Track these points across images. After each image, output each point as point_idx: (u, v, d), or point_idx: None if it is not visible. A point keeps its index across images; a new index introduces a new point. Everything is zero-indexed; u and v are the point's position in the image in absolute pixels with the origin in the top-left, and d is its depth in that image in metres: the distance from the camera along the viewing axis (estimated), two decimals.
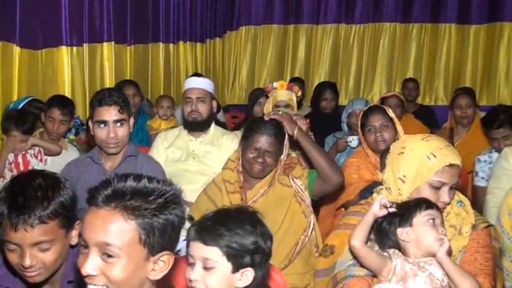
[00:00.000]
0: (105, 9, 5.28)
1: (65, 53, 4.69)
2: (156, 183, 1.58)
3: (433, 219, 2.11)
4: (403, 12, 8.45)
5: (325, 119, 5.55)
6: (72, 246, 1.97)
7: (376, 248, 2.22)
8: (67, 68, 4.73)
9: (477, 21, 8.24)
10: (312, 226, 2.95)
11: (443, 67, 8.45)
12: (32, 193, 1.81)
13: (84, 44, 4.97)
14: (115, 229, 1.49)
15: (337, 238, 2.44)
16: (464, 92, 5.30)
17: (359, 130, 3.64)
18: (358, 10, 8.54)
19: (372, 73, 8.62)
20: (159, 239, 1.53)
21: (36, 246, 1.80)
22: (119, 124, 2.96)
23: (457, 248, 2.23)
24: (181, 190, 1.62)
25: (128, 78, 5.55)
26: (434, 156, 2.22)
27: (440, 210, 2.16)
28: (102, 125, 2.95)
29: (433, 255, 2.07)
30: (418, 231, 2.10)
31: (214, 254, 1.75)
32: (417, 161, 2.25)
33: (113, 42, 5.39)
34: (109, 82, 5.38)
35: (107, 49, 5.33)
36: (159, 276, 1.58)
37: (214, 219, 1.84)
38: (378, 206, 2.12)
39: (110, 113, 2.94)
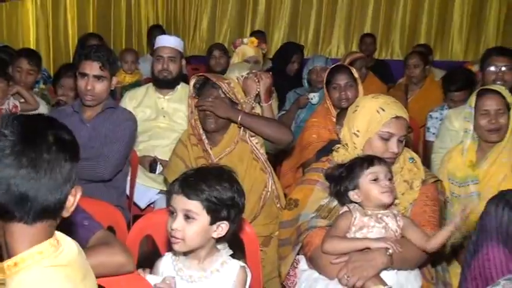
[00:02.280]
0: None
1: (29, 5, 4.69)
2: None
3: (376, 175, 2.26)
4: None
5: (286, 76, 5.59)
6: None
7: (336, 202, 2.39)
8: (32, 20, 4.75)
9: None
10: (271, 181, 3.05)
11: (399, 22, 8.56)
12: None
13: None
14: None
15: (300, 192, 2.55)
16: (414, 51, 5.47)
17: (324, 86, 3.74)
18: None
19: (330, 27, 8.67)
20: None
21: None
22: (98, 79, 3.08)
23: (408, 201, 2.39)
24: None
25: (91, 30, 5.57)
26: (383, 110, 2.38)
27: (385, 162, 2.30)
28: (83, 77, 3.08)
29: (386, 207, 2.25)
30: (365, 190, 2.26)
31: (195, 207, 1.88)
32: (368, 115, 2.41)
33: None
34: (72, 35, 5.41)
35: (70, 1, 5.34)
36: (71, 210, 1.40)
37: (196, 175, 1.96)
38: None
39: (92, 68, 3.07)
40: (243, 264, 2.03)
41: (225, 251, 2.03)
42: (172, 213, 1.93)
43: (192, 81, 3.01)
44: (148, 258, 2.18)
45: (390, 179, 2.27)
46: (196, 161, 2.96)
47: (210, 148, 2.99)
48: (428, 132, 4.37)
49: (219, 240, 2.00)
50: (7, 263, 1.29)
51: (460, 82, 4.26)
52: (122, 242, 1.99)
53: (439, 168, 3.20)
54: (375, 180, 2.26)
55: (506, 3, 8.33)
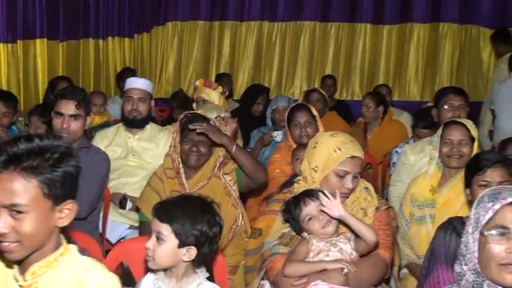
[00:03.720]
0: (37, 6, 5.35)
1: (1, 51, 4.79)
2: (47, 140, 1.62)
3: (310, 215, 2.45)
4: (322, 12, 8.65)
5: (252, 116, 5.73)
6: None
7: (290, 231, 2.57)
8: (3, 65, 4.83)
9: (390, 22, 8.63)
10: (241, 217, 3.22)
11: (359, 64, 8.76)
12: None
13: (18, 41, 5.06)
14: (19, 189, 1.54)
15: (263, 222, 2.73)
16: (369, 93, 5.64)
17: (286, 125, 3.93)
18: (281, 9, 8.66)
19: (293, 69, 8.80)
20: (61, 190, 1.60)
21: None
22: (73, 118, 3.19)
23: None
24: (71, 144, 1.73)
25: (60, 74, 5.64)
26: (339, 149, 2.54)
27: (313, 195, 2.46)
28: (58, 116, 3.19)
29: (333, 234, 2.44)
30: (309, 230, 2.46)
31: (165, 230, 2.03)
32: (326, 153, 2.57)
33: (45, 39, 5.49)
34: (42, 78, 5.49)
35: (40, 45, 5.42)
36: (66, 222, 1.65)
37: (174, 202, 2.13)
38: None
39: (67, 107, 3.18)
40: (218, 287, 2.15)
41: (202, 273, 2.14)
42: (150, 233, 2.09)
43: (180, 117, 3.19)
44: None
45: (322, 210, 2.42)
46: (172, 194, 3.08)
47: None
48: (393, 167, 4.42)
49: (197, 264, 2.12)
50: None
51: (429, 120, 4.42)
52: (100, 261, 2.12)
53: (404, 195, 3.33)
54: (310, 219, 2.44)
55: (459, 47, 8.69)
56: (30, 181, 1.55)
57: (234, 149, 3.09)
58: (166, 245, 2.04)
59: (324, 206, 2.40)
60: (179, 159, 3.17)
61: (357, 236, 2.44)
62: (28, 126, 4.33)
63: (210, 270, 2.35)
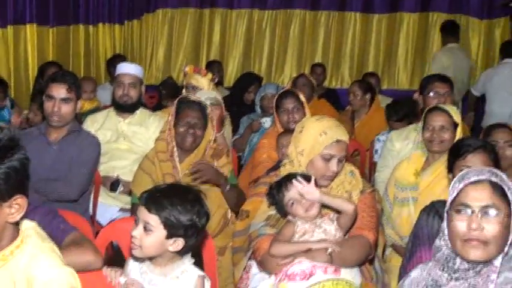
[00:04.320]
0: None
1: None
2: None
3: (292, 199, 2.51)
4: (313, 1, 8.62)
5: (242, 103, 5.78)
6: None
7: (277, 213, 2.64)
8: None
9: (380, 11, 8.58)
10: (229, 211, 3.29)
11: (348, 53, 8.71)
12: None
13: (8, 26, 5.10)
14: None
15: (251, 204, 2.80)
16: (356, 81, 5.72)
17: (274, 111, 3.98)
18: None
19: (283, 57, 8.76)
20: (5, 186, 1.53)
21: None
22: (64, 101, 3.22)
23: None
24: (14, 133, 1.61)
25: (51, 59, 5.66)
26: (325, 133, 2.60)
27: (293, 178, 2.50)
28: (50, 100, 3.22)
29: (316, 216, 2.51)
30: (293, 214, 2.52)
31: (153, 220, 2.02)
32: (311, 137, 2.62)
33: (35, 24, 5.51)
34: (32, 64, 5.52)
35: (30, 31, 5.45)
36: (18, 217, 1.61)
37: (163, 192, 2.09)
38: None
39: (59, 91, 3.22)
40: (202, 273, 2.15)
41: (187, 259, 2.16)
42: (136, 221, 2.08)
43: (175, 102, 3.26)
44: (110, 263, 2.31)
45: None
46: (164, 177, 3.16)
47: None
48: (376, 154, 4.60)
49: (183, 253, 2.12)
50: None
51: (401, 113, 4.59)
52: (92, 242, 2.17)
53: (389, 179, 3.39)
54: (293, 203, 2.51)
55: None
56: None
57: (227, 188, 3.20)
58: (153, 235, 2.04)
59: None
60: (174, 142, 3.22)
61: (339, 213, 2.51)
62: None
63: (198, 252, 2.44)
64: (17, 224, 1.65)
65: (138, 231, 2.05)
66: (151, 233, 2.04)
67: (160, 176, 3.18)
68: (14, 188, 1.57)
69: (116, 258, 2.40)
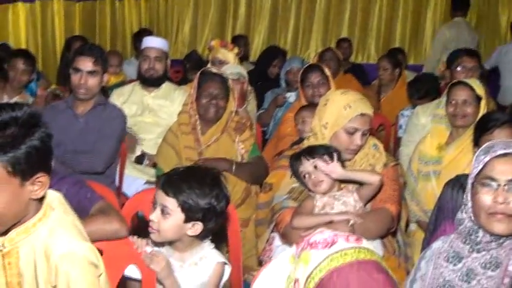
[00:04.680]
0: None
1: (20, 10, 4.87)
2: (8, 111, 1.53)
3: (304, 173, 2.52)
4: None
5: (267, 78, 5.76)
6: None
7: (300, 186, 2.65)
8: (22, 24, 4.91)
9: None
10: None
11: (375, 27, 8.68)
12: None
13: (36, 1, 5.14)
14: None
15: (274, 177, 2.79)
16: (384, 55, 5.67)
17: (299, 85, 3.97)
18: None
19: (308, 31, 8.74)
20: (27, 165, 1.53)
21: None
22: (91, 74, 3.24)
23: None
24: (34, 109, 1.59)
25: (77, 34, 5.69)
26: (350, 106, 2.58)
27: (311, 153, 2.52)
28: (76, 72, 3.24)
29: (332, 190, 2.51)
30: (308, 186, 2.54)
31: (171, 204, 2.00)
32: (336, 110, 2.60)
33: None
34: (59, 38, 5.57)
35: (57, 5, 5.50)
36: (41, 194, 1.61)
37: (181, 175, 2.06)
38: None
39: (85, 64, 3.23)
40: (222, 259, 2.13)
41: (207, 244, 2.16)
42: (154, 204, 2.08)
43: (197, 75, 3.28)
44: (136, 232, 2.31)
45: (316, 166, 2.49)
46: (184, 150, 3.20)
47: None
48: (400, 130, 4.59)
49: (202, 237, 2.12)
50: None
51: (422, 90, 4.57)
52: (118, 211, 2.19)
53: (413, 153, 3.39)
54: (305, 176, 2.52)
55: (477, 11, 8.57)
56: None
57: (233, 168, 3.19)
58: (171, 219, 2.02)
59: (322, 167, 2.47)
60: (197, 115, 3.25)
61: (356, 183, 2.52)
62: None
63: (223, 224, 2.42)
64: (41, 197, 1.65)
65: (155, 215, 2.05)
66: (169, 216, 2.02)
67: (182, 148, 3.22)
68: (35, 167, 1.57)
69: (141, 228, 2.42)
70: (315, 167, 2.50)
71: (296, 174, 2.59)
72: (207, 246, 2.15)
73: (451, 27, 6.87)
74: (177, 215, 2.01)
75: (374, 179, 2.48)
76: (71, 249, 1.62)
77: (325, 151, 2.52)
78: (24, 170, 1.54)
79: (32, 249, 1.64)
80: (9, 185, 1.53)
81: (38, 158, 1.56)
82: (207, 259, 2.12)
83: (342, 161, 2.55)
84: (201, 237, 2.11)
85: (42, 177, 1.59)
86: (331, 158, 2.49)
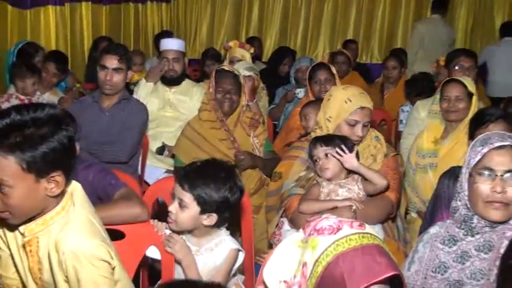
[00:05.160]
0: None
1: (51, 12, 4.89)
2: (30, 112, 1.50)
3: (316, 158, 2.53)
4: None
5: (278, 76, 5.77)
6: None
7: (312, 174, 2.64)
8: (52, 25, 4.94)
9: None
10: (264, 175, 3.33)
11: (378, 29, 8.63)
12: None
13: (66, 4, 5.16)
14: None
15: (283, 166, 2.80)
16: (392, 55, 5.65)
17: (307, 82, 3.96)
18: None
19: (317, 33, 8.72)
20: (43, 164, 1.50)
21: None
22: (116, 71, 3.25)
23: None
24: (59, 110, 1.56)
25: (103, 35, 5.72)
26: (350, 100, 2.60)
27: (325, 141, 2.53)
28: (103, 69, 3.26)
29: (339, 178, 2.52)
30: (316, 169, 2.56)
31: (187, 197, 2.00)
32: (338, 104, 2.63)
33: (90, 2, 5.57)
34: (87, 38, 5.60)
35: (85, 8, 5.52)
36: (57, 192, 1.58)
37: (197, 170, 2.06)
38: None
39: (111, 61, 3.25)
40: (236, 246, 2.13)
41: (223, 231, 2.15)
42: (172, 196, 2.08)
43: (213, 73, 3.32)
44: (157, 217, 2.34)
45: (327, 155, 2.49)
46: (221, 143, 3.26)
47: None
48: (401, 124, 4.58)
49: (218, 226, 2.10)
50: None
51: (418, 89, 4.57)
52: (139, 197, 2.20)
53: (411, 146, 3.39)
54: (316, 161, 2.53)
55: (473, 12, 8.50)
56: (8, 158, 1.47)
57: (262, 165, 3.27)
58: (188, 211, 2.03)
59: (339, 156, 2.47)
60: (219, 110, 3.28)
61: (365, 179, 2.51)
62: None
63: (237, 212, 2.43)
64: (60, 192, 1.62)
65: (173, 207, 2.05)
66: (185, 209, 2.03)
67: (216, 141, 3.26)
68: (51, 166, 1.53)
69: (161, 212, 2.43)
70: (326, 154, 2.50)
71: (310, 155, 2.60)
72: (223, 233, 2.15)
73: (425, 23, 6.94)
74: (193, 207, 2.02)
75: (381, 182, 2.49)
76: (78, 247, 1.58)
77: (341, 141, 2.52)
78: (39, 168, 1.51)
79: (48, 240, 1.62)
80: (24, 181, 1.51)
81: (55, 158, 1.52)
82: (222, 245, 2.12)
83: (357, 154, 2.55)
84: (217, 225, 2.11)
85: (58, 177, 1.57)
86: (348, 149, 2.49)
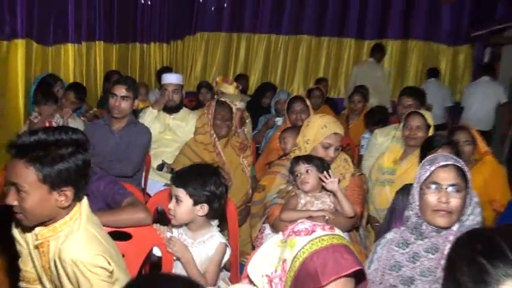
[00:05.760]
0: (97, 16, 5.43)
1: (69, 49, 4.89)
2: (56, 134, 1.51)
3: (297, 173, 2.53)
4: (317, 28, 8.63)
5: (260, 106, 5.86)
6: None
7: (291, 187, 2.65)
8: (71, 61, 4.93)
9: (370, 38, 8.51)
10: (250, 191, 3.37)
11: (344, 70, 8.71)
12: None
13: (83, 43, 5.15)
14: (21, 173, 1.50)
15: (266, 180, 2.83)
16: (356, 91, 5.74)
17: (285, 111, 4.00)
18: (285, 25, 8.63)
19: (293, 72, 8.78)
20: (57, 179, 1.51)
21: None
22: (124, 99, 3.27)
23: (343, 188, 2.65)
24: (80, 136, 1.57)
25: (114, 68, 5.73)
26: (326, 127, 2.65)
27: (306, 160, 2.55)
28: (113, 97, 3.28)
29: (316, 191, 2.53)
30: (297, 183, 2.56)
31: (181, 192, 2.06)
32: (315, 129, 2.68)
33: (102, 42, 5.57)
34: (99, 72, 5.58)
35: (99, 47, 5.51)
36: (65, 205, 1.58)
37: (187, 171, 2.15)
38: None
39: (120, 90, 3.27)
40: (224, 241, 2.16)
41: (215, 227, 2.18)
42: (170, 197, 2.13)
43: (213, 103, 3.41)
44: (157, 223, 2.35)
45: (308, 171, 2.50)
46: (203, 152, 3.31)
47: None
48: (362, 149, 4.64)
49: (211, 217, 2.14)
50: None
51: (375, 119, 4.66)
52: (144, 204, 2.21)
53: (373, 165, 3.44)
54: (297, 175, 2.55)
55: (423, 59, 8.62)
56: (29, 168, 1.50)
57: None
58: (183, 205, 2.07)
59: (324, 178, 2.48)
60: (214, 135, 3.35)
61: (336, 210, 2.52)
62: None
63: (224, 218, 2.45)
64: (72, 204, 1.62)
65: (172, 204, 2.11)
66: (181, 203, 2.07)
67: (201, 152, 3.32)
68: (64, 182, 1.54)
69: (161, 219, 2.44)
70: (307, 171, 2.51)
71: (291, 171, 2.60)
72: (214, 230, 2.17)
73: (360, 65, 7.31)
74: (187, 200, 2.05)
75: (349, 211, 2.48)
76: (77, 256, 1.56)
77: (319, 162, 2.55)
78: (53, 182, 1.52)
79: (55, 246, 1.61)
80: (39, 190, 1.52)
81: (68, 176, 1.53)
82: (213, 239, 2.14)
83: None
84: (210, 217, 2.14)
85: (68, 192, 1.57)
86: (326, 168, 2.50)
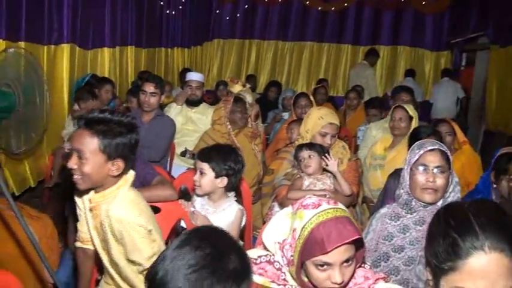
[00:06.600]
0: (129, 24, 5.47)
1: (106, 52, 4.91)
2: (120, 116, 1.58)
3: (300, 158, 2.53)
4: (318, 35, 8.62)
5: (268, 102, 5.87)
6: None
7: (296, 170, 2.64)
8: (106, 63, 4.96)
9: (365, 44, 8.48)
10: (261, 173, 3.37)
11: (342, 72, 8.69)
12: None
13: (117, 47, 5.18)
14: (85, 142, 1.54)
15: (275, 165, 2.85)
16: (352, 89, 5.71)
17: (291, 106, 3.98)
18: (290, 33, 8.66)
19: (297, 73, 8.78)
20: (114, 151, 1.56)
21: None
22: (152, 95, 3.27)
23: (341, 170, 2.62)
24: (135, 121, 1.63)
25: (143, 69, 5.73)
26: (322, 117, 2.64)
27: (310, 147, 2.53)
28: (143, 93, 3.27)
29: (317, 173, 2.52)
30: (300, 167, 2.56)
31: (205, 166, 2.09)
32: (313, 120, 2.67)
33: (133, 46, 5.60)
34: (130, 73, 5.61)
35: (130, 51, 5.54)
36: (116, 173, 1.60)
37: (211, 148, 2.19)
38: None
39: (149, 87, 3.26)
40: (242, 207, 2.19)
41: (232, 197, 2.19)
42: (195, 170, 2.16)
43: (231, 98, 3.41)
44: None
45: (310, 156, 2.50)
46: (220, 139, 3.31)
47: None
48: (358, 139, 4.59)
49: (228, 189, 2.16)
50: None
51: (375, 103, 4.66)
52: (170, 182, 2.23)
53: (368, 152, 3.43)
54: (301, 160, 2.54)
55: (410, 63, 8.55)
56: (93, 138, 1.54)
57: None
58: (206, 177, 2.09)
59: (326, 160, 2.48)
60: (229, 126, 3.37)
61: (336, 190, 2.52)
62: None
63: (239, 195, 2.46)
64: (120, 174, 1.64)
65: (197, 176, 2.13)
66: (205, 175, 2.09)
67: (219, 138, 3.34)
68: (118, 154, 1.58)
69: (183, 197, 2.45)
70: (309, 156, 2.51)
71: (296, 157, 2.60)
72: (232, 199, 2.18)
73: (355, 68, 7.34)
74: (209, 173, 2.08)
75: (347, 190, 2.49)
76: (122, 215, 1.59)
77: (320, 148, 2.55)
78: (110, 153, 1.56)
79: (104, 209, 1.64)
80: (97, 157, 1.56)
81: (122, 150, 1.58)
82: (231, 207, 2.16)
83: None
84: (227, 189, 2.14)
85: (120, 163, 1.60)
86: (325, 153, 2.50)
